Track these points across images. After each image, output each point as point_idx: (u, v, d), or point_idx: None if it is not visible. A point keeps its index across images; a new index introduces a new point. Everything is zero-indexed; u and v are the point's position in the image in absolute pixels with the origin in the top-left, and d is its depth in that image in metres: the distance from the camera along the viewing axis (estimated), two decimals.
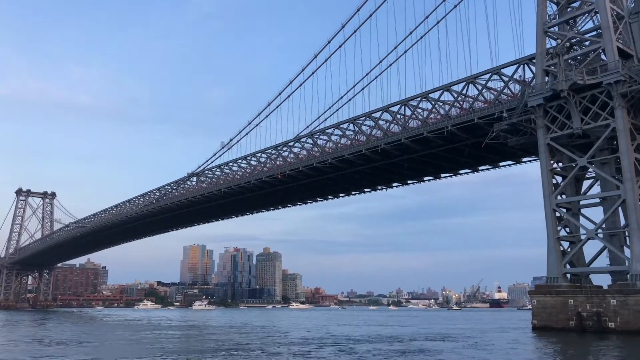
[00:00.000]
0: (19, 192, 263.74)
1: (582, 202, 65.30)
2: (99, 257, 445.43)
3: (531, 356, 39.09)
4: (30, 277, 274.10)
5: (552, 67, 64.09)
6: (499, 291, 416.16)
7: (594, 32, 64.09)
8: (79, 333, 65.35)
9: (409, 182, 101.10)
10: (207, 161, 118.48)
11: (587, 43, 64.99)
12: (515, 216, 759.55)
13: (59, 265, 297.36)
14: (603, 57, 62.00)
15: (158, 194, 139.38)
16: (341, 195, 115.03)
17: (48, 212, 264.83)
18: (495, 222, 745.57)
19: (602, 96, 59.62)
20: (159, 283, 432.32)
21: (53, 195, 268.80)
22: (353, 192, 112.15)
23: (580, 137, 62.48)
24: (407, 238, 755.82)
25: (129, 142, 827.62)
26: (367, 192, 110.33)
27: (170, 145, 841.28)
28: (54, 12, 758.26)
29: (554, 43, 67.26)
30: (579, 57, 64.68)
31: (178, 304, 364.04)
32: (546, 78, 65.16)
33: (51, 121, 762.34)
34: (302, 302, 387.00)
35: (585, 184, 66.75)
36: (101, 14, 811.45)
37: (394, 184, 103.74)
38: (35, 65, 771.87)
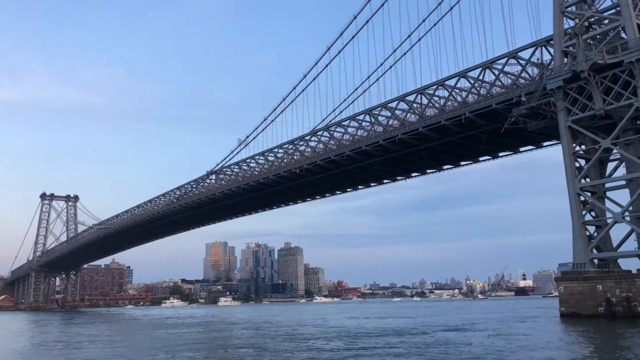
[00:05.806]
0: (43, 196, 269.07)
1: (607, 185, 63.85)
2: (124, 258, 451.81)
3: (560, 344, 38.18)
4: (57, 278, 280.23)
5: (571, 48, 62.70)
6: (524, 279, 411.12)
7: (613, 10, 62.44)
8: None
9: (428, 171, 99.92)
10: (225, 159, 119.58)
11: (606, 21, 63.33)
12: (537, 202, 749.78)
13: (85, 266, 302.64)
14: (623, 35, 60.40)
15: (178, 193, 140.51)
16: (360, 187, 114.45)
17: (72, 214, 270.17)
18: (516, 209, 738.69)
19: (624, 75, 58.22)
20: (183, 281, 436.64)
21: (76, 198, 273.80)
22: (372, 184, 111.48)
23: (603, 118, 61.14)
24: (428, 228, 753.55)
25: (147, 143, 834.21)
26: (387, 183, 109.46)
27: (188, 144, 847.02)
28: (66, 15, 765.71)
29: (571, 23, 65.70)
30: (598, 37, 63.12)
31: (203, 300, 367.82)
32: (565, 59, 63.80)
33: (69, 124, 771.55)
34: (326, 296, 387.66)
35: (610, 166, 65.28)
36: (108, 15, 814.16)
37: (413, 174, 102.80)
38: (50, 70, 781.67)
